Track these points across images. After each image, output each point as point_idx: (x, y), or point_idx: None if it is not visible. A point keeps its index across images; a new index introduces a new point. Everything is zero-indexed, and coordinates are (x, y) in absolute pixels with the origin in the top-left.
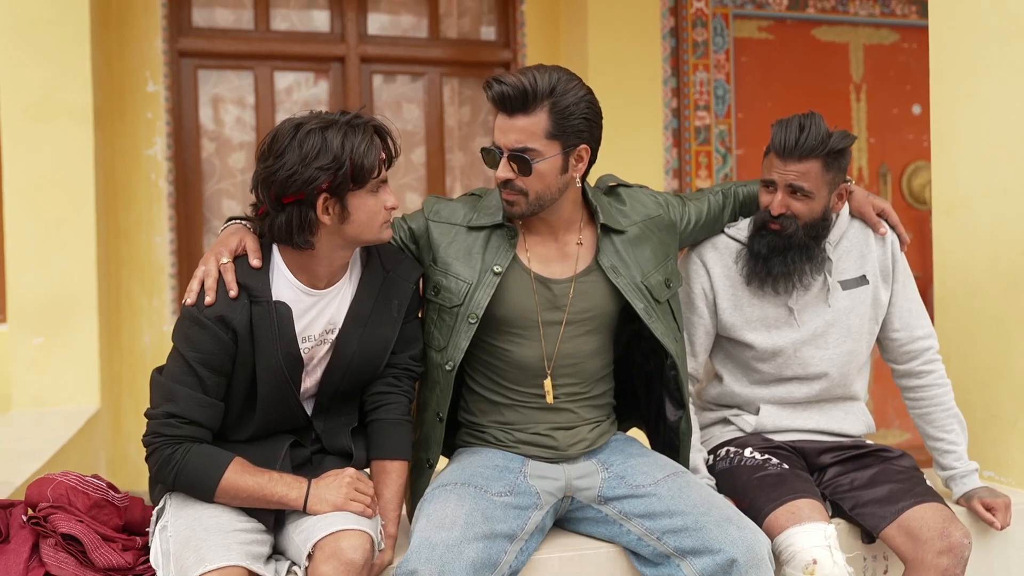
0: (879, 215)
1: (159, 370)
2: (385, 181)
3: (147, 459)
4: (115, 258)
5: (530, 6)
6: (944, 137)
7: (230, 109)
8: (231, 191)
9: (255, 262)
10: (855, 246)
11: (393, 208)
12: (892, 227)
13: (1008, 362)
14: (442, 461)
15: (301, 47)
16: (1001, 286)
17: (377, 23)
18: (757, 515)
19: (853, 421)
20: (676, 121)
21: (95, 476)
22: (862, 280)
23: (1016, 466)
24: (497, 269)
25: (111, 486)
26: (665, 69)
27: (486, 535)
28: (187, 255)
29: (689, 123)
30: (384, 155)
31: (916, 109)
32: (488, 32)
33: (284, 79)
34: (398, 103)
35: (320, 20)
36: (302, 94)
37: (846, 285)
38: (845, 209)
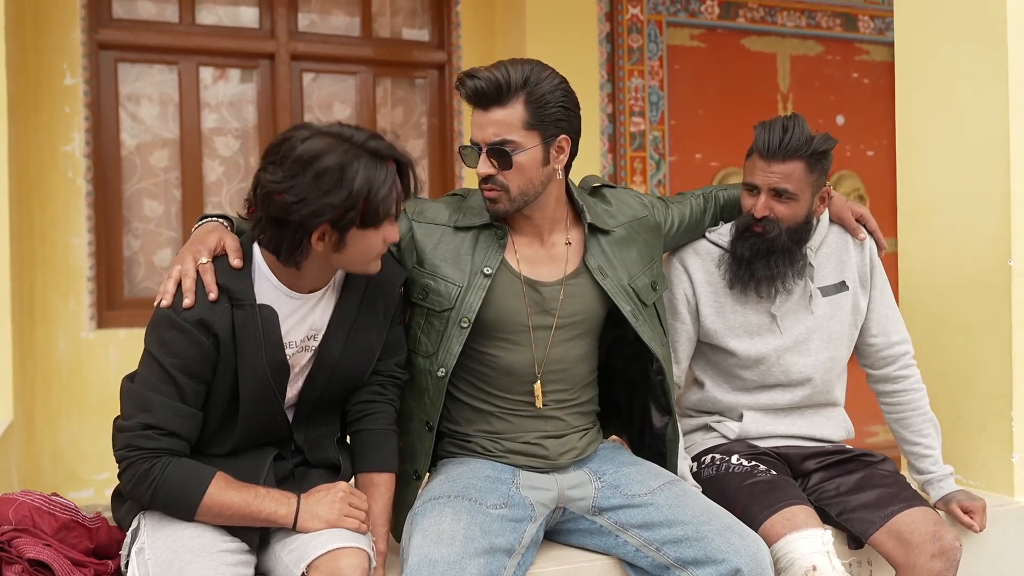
0: (858, 220)
1: (130, 378)
2: (396, 218)
3: (120, 475)
4: (29, 260)
5: (465, 7)
6: (910, 143)
7: (153, 105)
8: (153, 191)
9: (236, 262)
10: (834, 252)
11: (393, 242)
12: (870, 232)
13: (976, 367)
14: None
15: (229, 42)
16: (968, 291)
17: (308, 20)
18: (751, 523)
19: (834, 427)
20: (612, 127)
21: (55, 495)
22: (842, 286)
23: (984, 469)
24: (487, 271)
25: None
26: (601, 74)
27: (486, 550)
28: (106, 257)
29: (624, 129)
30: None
31: (840, 119)
32: (422, 33)
33: (210, 75)
34: (329, 103)
35: (248, 15)
36: (229, 91)
37: (826, 291)
38: (825, 215)
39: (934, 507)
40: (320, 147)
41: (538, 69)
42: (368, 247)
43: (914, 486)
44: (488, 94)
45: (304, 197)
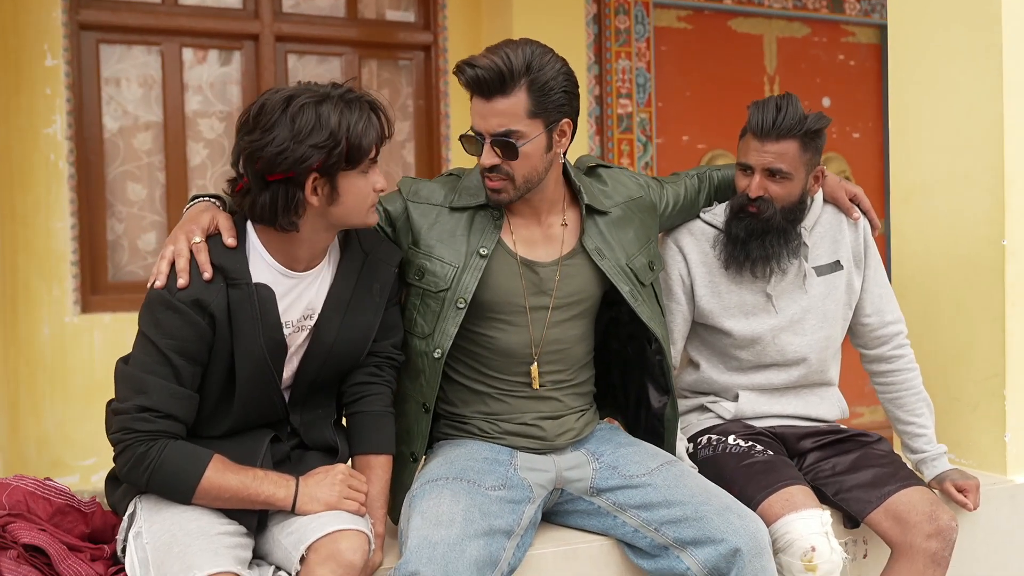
0: (851, 200)
1: (124, 360)
2: (376, 161)
3: (116, 458)
4: (11, 245)
5: None
6: (903, 123)
7: (135, 87)
8: (136, 174)
9: (230, 241)
10: (828, 232)
11: (382, 190)
12: (864, 212)
13: (969, 346)
14: None
15: (212, 23)
16: (961, 271)
17: (292, 1)
18: (748, 503)
19: (829, 407)
20: (599, 108)
21: (48, 479)
22: (836, 266)
23: (977, 448)
24: (483, 252)
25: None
26: (589, 56)
27: (486, 532)
28: (89, 241)
29: (612, 111)
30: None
31: (826, 101)
32: (407, 14)
33: (193, 56)
34: None
35: None
36: (213, 73)
37: (820, 271)
38: (819, 194)
39: (928, 486)
40: (289, 95)
41: (539, 54)
42: (361, 194)
43: (909, 466)
44: (490, 83)
45: (286, 145)
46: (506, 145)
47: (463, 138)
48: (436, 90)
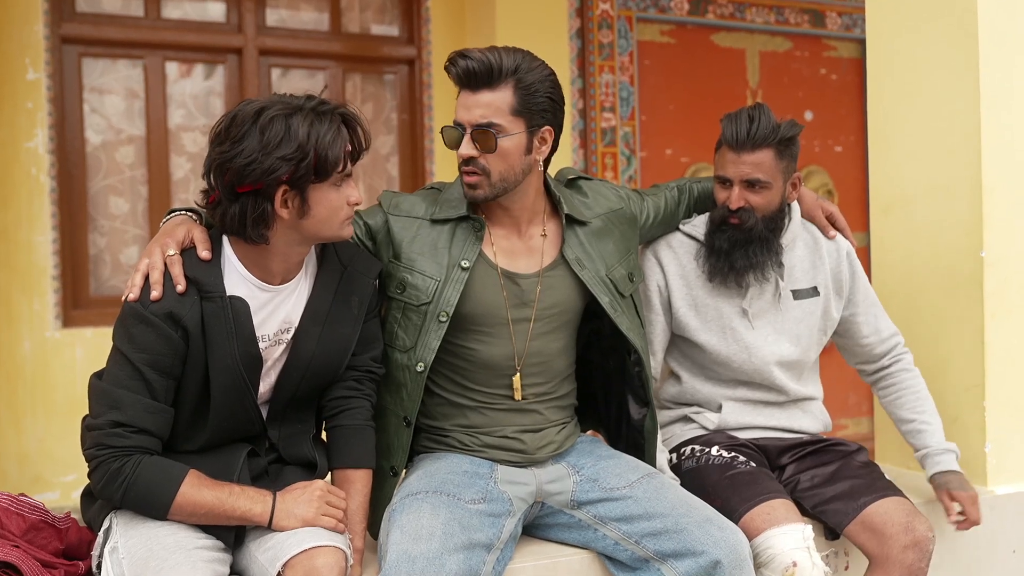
0: (827, 218)
1: (98, 375)
2: (350, 175)
3: (90, 474)
4: None
5: (435, 2)
6: (883, 135)
7: (118, 100)
8: (119, 188)
9: (204, 254)
10: (807, 256)
11: (356, 204)
12: (840, 230)
13: (949, 359)
14: None
15: (195, 37)
16: (941, 284)
17: (276, 15)
18: (730, 515)
19: (811, 420)
20: (583, 122)
21: (22, 495)
22: (813, 291)
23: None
24: (464, 264)
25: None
26: (572, 70)
27: (465, 545)
28: (71, 255)
29: (595, 124)
30: (351, 147)
31: (808, 115)
32: (391, 28)
33: (176, 70)
34: None
35: (215, 10)
36: (196, 86)
37: (798, 295)
38: (797, 214)
39: (929, 480)
40: (261, 107)
41: (529, 58)
42: (333, 207)
43: (888, 476)
44: (479, 75)
45: (254, 157)
46: (485, 136)
47: (444, 129)
48: (420, 104)
